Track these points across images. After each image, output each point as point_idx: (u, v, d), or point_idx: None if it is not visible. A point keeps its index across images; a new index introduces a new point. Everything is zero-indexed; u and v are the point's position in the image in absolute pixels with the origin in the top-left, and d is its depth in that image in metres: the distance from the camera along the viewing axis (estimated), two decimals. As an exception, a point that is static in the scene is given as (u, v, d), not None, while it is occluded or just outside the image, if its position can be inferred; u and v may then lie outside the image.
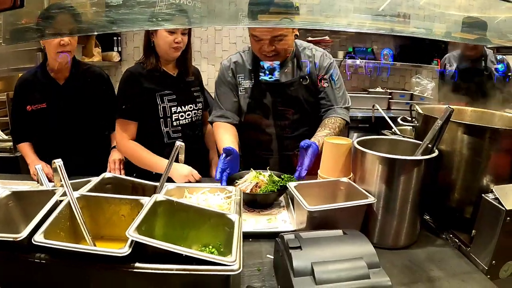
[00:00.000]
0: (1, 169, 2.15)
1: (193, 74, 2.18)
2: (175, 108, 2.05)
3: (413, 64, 4.71)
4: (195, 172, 1.92)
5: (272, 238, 1.27)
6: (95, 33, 3.17)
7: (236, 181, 1.65)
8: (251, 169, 1.70)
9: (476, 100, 2.76)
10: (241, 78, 2.08)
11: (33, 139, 2.23)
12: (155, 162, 1.95)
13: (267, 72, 1.96)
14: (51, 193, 1.14)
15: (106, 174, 1.33)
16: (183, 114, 2.09)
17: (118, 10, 1.13)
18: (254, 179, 1.58)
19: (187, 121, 2.11)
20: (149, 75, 2.00)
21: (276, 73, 1.96)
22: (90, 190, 1.20)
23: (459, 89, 3.15)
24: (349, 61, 4.39)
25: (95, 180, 1.29)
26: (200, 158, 2.18)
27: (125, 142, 2.03)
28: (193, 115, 2.13)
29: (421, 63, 4.67)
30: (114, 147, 2.22)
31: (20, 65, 3.26)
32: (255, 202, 1.56)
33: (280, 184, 1.57)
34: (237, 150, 1.78)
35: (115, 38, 4.55)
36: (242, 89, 2.08)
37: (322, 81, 2.06)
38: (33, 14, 1.26)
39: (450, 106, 1.23)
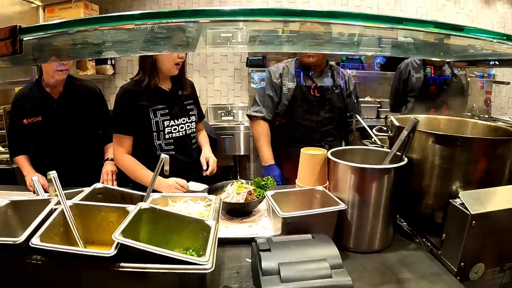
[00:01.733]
0: (-1, 182, 2.26)
1: (187, 88, 2.26)
2: (168, 121, 2.13)
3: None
4: (180, 181, 1.99)
5: (251, 243, 1.36)
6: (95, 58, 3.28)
7: (218, 191, 1.77)
8: (237, 179, 1.82)
9: (451, 107, 2.83)
10: (286, 80, 2.59)
11: (30, 152, 2.33)
12: (147, 176, 2.02)
13: (309, 77, 2.57)
14: (46, 202, 1.23)
15: (97, 185, 1.43)
16: (176, 127, 2.17)
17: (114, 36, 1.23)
18: (240, 188, 1.67)
19: (180, 134, 2.18)
20: (143, 91, 2.08)
21: (315, 78, 2.57)
22: (82, 199, 1.29)
23: (433, 97, 3.20)
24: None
25: (86, 190, 1.39)
26: (193, 168, 2.23)
27: (121, 156, 2.11)
28: (186, 128, 2.21)
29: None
30: (107, 159, 2.32)
31: (16, 79, 3.35)
32: (238, 211, 1.66)
33: (268, 188, 1.71)
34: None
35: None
36: (286, 89, 2.57)
37: (351, 95, 2.69)
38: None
39: (416, 117, 1.32)
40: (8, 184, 2.25)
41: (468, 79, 3.55)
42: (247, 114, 2.72)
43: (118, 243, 0.97)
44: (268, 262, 0.98)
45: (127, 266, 0.96)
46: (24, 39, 0.73)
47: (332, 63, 2.69)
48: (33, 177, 1.50)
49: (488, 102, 5.01)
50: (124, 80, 5.05)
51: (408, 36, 1.18)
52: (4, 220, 1.24)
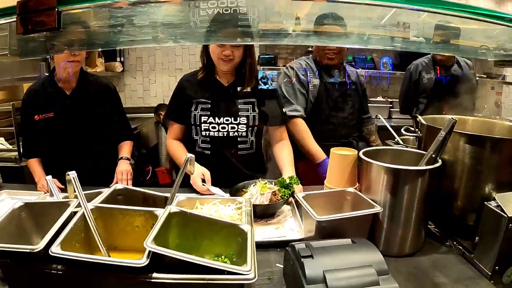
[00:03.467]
0: (6, 179, 2.17)
1: (249, 85, 2.07)
2: (206, 117, 2.02)
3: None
4: (207, 175, 1.88)
5: (280, 247, 1.30)
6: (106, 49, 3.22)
7: (241, 191, 1.70)
8: (259, 179, 1.75)
9: (463, 108, 2.78)
10: (310, 77, 2.54)
11: (42, 151, 2.25)
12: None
13: (328, 73, 2.56)
14: (65, 204, 1.16)
15: (117, 186, 1.36)
16: (215, 125, 2.03)
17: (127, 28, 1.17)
18: (263, 189, 1.61)
19: (219, 134, 2.04)
20: (197, 82, 2.05)
21: (335, 74, 2.57)
22: (102, 202, 1.22)
23: (445, 98, 3.11)
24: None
25: (106, 191, 1.32)
26: (229, 176, 1.96)
27: (168, 141, 2.17)
28: (229, 129, 2.03)
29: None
30: (122, 158, 2.25)
31: (24, 75, 3.30)
32: (263, 213, 1.59)
33: (292, 188, 1.65)
34: None
35: (117, 48, 4.61)
36: (312, 86, 2.52)
37: (364, 93, 2.72)
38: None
39: (453, 117, 1.27)
40: (16, 183, 2.17)
41: (477, 78, 3.52)
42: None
43: (149, 251, 0.90)
44: (312, 269, 0.92)
45: (162, 277, 0.89)
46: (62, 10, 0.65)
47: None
48: (48, 177, 1.41)
49: (499, 103, 5.00)
50: (133, 77, 5.02)
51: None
52: (17, 224, 1.16)
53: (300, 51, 4.96)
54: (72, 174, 1.13)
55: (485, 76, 5.00)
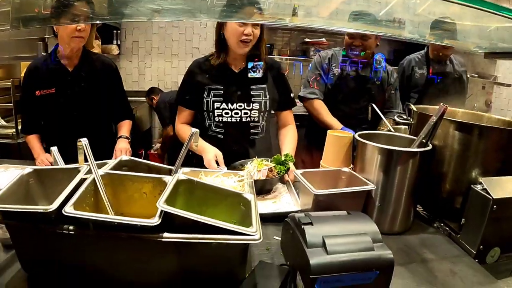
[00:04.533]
0: (4, 155, 2.20)
1: (260, 71, 2.07)
2: (219, 104, 2.03)
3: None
4: (220, 158, 1.88)
5: (278, 220, 1.36)
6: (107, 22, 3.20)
7: (240, 168, 1.77)
8: (255, 157, 1.82)
9: (454, 104, 2.86)
10: (333, 66, 2.74)
11: (42, 127, 2.27)
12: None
13: (352, 66, 2.72)
14: (75, 171, 1.19)
15: (123, 157, 1.40)
16: (228, 111, 2.05)
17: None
18: (260, 166, 1.67)
19: (232, 120, 2.06)
20: (208, 68, 2.05)
21: (359, 69, 2.71)
22: (109, 170, 1.26)
23: (436, 93, 3.17)
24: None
25: (112, 162, 1.35)
26: (240, 158, 1.97)
27: (177, 125, 2.17)
28: (242, 115, 2.06)
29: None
30: (121, 136, 2.29)
31: (21, 54, 3.31)
32: (260, 188, 1.66)
33: (287, 165, 1.72)
34: None
35: (114, 31, 4.60)
36: (332, 75, 2.73)
37: (390, 88, 2.85)
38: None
39: (444, 104, 1.35)
40: (13, 159, 2.19)
41: (468, 75, 3.59)
42: (299, 95, 2.80)
43: (162, 211, 0.95)
44: (312, 235, 0.99)
45: (173, 236, 0.94)
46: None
47: (377, 56, 2.85)
48: (53, 148, 1.43)
49: (489, 103, 5.11)
50: (129, 61, 5.02)
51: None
52: (25, 189, 1.18)
53: (295, 43, 5.03)
54: (84, 141, 1.16)
55: (477, 75, 5.11)
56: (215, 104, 2.04)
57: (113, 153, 2.19)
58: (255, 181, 1.61)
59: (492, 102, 5.31)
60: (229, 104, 2.04)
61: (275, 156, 1.78)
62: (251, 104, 2.06)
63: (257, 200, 1.55)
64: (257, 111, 2.07)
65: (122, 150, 2.19)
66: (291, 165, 1.75)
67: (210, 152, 1.89)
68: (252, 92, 2.07)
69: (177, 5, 0.98)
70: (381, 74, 2.79)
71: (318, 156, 1.75)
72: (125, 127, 2.38)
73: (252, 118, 2.08)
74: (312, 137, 2.86)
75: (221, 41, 2.01)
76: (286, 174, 1.73)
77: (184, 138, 2.03)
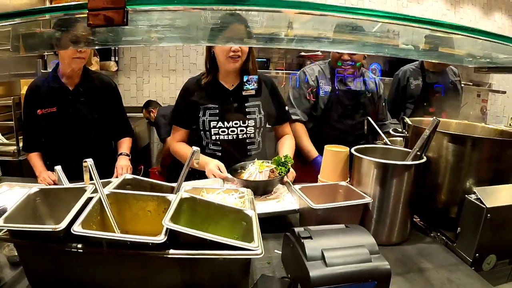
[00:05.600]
0: (5, 173, 2.23)
1: (258, 85, 2.12)
2: (215, 122, 2.06)
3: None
4: (222, 167, 1.89)
5: (282, 231, 1.40)
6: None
7: (240, 171, 1.83)
8: (256, 159, 1.88)
9: (454, 114, 2.91)
10: (322, 83, 2.61)
11: (43, 145, 2.30)
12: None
13: (342, 81, 2.62)
14: (81, 190, 1.23)
15: (127, 175, 1.44)
16: (224, 129, 2.07)
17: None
18: (261, 167, 1.73)
19: (229, 137, 2.09)
20: (201, 87, 2.07)
21: (349, 83, 2.63)
22: (114, 189, 1.31)
23: (431, 104, 3.22)
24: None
25: (116, 181, 1.39)
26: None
27: (172, 144, 2.19)
28: (238, 132, 2.08)
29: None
30: (121, 153, 2.33)
31: (21, 71, 3.40)
32: (263, 189, 1.71)
33: (288, 165, 1.76)
34: None
35: (112, 48, 4.65)
36: (323, 93, 2.60)
37: (379, 100, 2.78)
38: (47, 22, 1.32)
39: (437, 118, 1.40)
40: (14, 176, 2.23)
41: (462, 85, 3.65)
42: None
43: (167, 229, 0.99)
44: (311, 248, 1.03)
45: (177, 253, 0.98)
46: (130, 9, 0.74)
47: (373, 66, 2.84)
48: (57, 167, 1.46)
49: (484, 110, 5.18)
50: (127, 77, 5.09)
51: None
52: (32, 208, 1.22)
53: (290, 55, 5.11)
54: (89, 162, 1.21)
55: (471, 83, 5.18)
56: (211, 123, 2.06)
57: (114, 170, 2.23)
58: (258, 182, 1.66)
59: (488, 109, 5.38)
60: (225, 122, 2.06)
61: (275, 158, 1.81)
62: (247, 121, 2.09)
63: (260, 201, 1.62)
64: (252, 128, 2.10)
65: (124, 167, 2.22)
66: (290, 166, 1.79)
67: (212, 163, 1.92)
68: (247, 109, 2.09)
69: (178, 34, 1.03)
70: (371, 86, 2.74)
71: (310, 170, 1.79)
72: (125, 144, 2.42)
73: (248, 135, 2.11)
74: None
75: (211, 59, 2.05)
76: (286, 176, 1.76)
77: (182, 156, 2.09)
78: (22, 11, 0.92)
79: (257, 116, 2.11)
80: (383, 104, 2.87)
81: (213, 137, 2.09)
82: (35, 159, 2.28)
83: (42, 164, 2.27)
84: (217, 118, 2.06)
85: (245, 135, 2.10)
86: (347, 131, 2.63)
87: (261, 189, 1.69)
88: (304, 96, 2.62)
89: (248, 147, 2.13)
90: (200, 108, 2.07)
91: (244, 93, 2.09)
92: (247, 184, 1.63)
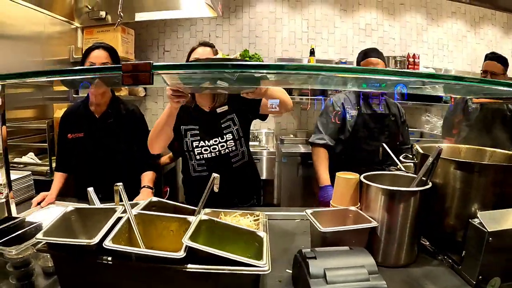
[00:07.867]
0: (38, 192, 2.37)
1: (227, 103, 2.23)
2: (197, 142, 2.20)
3: (424, 103, 4.97)
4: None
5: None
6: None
7: None
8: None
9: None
10: (348, 108, 2.80)
11: (71, 167, 2.49)
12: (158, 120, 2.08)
13: (368, 104, 2.81)
14: (112, 210, 1.38)
15: (153, 198, 1.59)
16: (207, 148, 2.21)
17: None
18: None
19: (212, 155, 2.22)
20: (182, 110, 2.13)
21: (374, 106, 2.82)
22: (141, 210, 1.46)
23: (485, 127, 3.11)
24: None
25: (142, 203, 1.54)
26: (232, 190, 2.19)
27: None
28: (220, 148, 2.21)
29: (430, 102, 4.94)
30: (144, 186, 2.39)
31: (54, 96, 3.78)
32: None
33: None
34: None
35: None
36: (349, 117, 2.79)
37: (403, 124, 2.95)
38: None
39: (439, 145, 1.48)
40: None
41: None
42: (309, 142, 2.88)
43: (186, 246, 1.13)
44: (315, 267, 1.14)
45: (195, 267, 1.11)
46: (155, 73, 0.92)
47: (398, 87, 2.88)
48: (89, 188, 1.55)
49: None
50: (155, 102, 5.32)
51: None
52: (67, 225, 1.38)
53: (314, 81, 5.22)
54: (120, 185, 1.37)
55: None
56: (194, 143, 2.21)
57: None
58: None
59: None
60: (206, 141, 2.20)
61: (241, 52, 1.77)
62: (224, 136, 2.21)
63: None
64: (232, 141, 2.22)
65: None
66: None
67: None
68: (222, 125, 2.22)
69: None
70: (393, 110, 2.86)
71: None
72: (147, 177, 2.46)
73: (229, 149, 2.23)
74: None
75: None
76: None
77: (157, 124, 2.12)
78: (71, 69, 1.13)
79: (233, 128, 2.23)
80: (406, 128, 2.98)
81: (197, 157, 2.23)
82: (56, 178, 2.44)
83: (58, 184, 2.40)
84: (198, 138, 2.20)
85: (227, 150, 2.23)
86: (374, 152, 2.70)
87: None
88: (331, 122, 2.79)
89: (233, 159, 2.26)
90: (182, 130, 2.21)
91: (218, 110, 2.22)
92: None
